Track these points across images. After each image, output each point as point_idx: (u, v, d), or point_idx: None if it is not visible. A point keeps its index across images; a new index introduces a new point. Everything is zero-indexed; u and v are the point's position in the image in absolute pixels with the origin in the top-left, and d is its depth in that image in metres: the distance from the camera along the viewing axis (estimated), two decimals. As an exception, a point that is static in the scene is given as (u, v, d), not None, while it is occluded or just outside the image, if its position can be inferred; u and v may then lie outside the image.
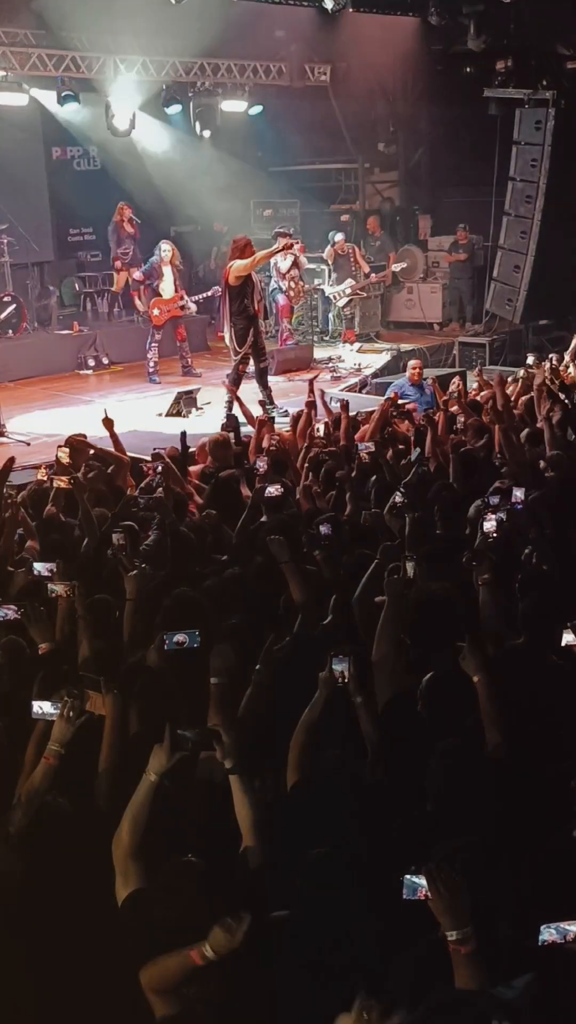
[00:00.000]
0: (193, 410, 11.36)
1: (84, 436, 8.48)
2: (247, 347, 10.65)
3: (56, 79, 12.98)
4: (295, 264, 14.19)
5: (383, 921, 2.82)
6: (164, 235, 14.18)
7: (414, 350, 14.32)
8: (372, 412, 9.30)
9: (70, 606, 4.53)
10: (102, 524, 5.96)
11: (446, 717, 3.69)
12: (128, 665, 4.26)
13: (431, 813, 3.30)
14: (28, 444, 10.18)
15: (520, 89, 14.88)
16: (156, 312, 12.97)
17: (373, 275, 15.18)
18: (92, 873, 3.03)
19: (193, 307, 13.19)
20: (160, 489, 6.88)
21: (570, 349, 12.02)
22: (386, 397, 10.32)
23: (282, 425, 9.66)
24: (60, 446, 7.77)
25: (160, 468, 7.30)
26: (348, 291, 15.01)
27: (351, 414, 8.74)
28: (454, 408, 9.09)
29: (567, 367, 11.16)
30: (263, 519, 5.97)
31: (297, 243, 13.64)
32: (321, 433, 8.50)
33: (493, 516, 5.21)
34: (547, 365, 10.95)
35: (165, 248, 13.12)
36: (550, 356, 11.55)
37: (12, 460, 7.08)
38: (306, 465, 7.31)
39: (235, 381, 10.68)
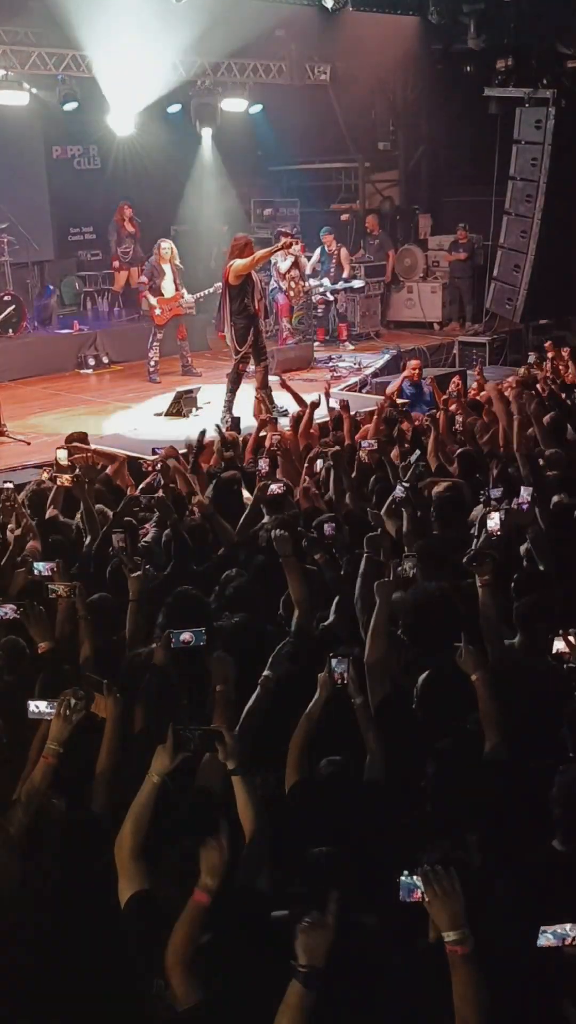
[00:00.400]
0: (193, 409, 11.36)
1: (84, 434, 8.52)
2: (247, 346, 10.65)
3: (57, 78, 13.00)
4: (296, 265, 14.18)
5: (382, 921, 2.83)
6: (164, 234, 14.16)
7: (413, 349, 14.32)
8: (371, 411, 9.32)
9: (70, 606, 4.54)
10: (103, 523, 5.98)
11: (442, 717, 3.68)
12: (131, 663, 4.26)
13: (429, 813, 3.31)
14: (28, 444, 10.18)
15: (520, 88, 14.86)
16: (158, 312, 12.97)
17: (356, 282, 15.05)
18: (92, 874, 3.03)
19: (191, 300, 13.15)
20: (161, 489, 6.90)
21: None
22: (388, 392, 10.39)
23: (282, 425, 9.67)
24: (59, 447, 7.79)
25: (159, 467, 7.33)
26: (322, 289, 14.90)
27: (351, 413, 8.76)
28: (454, 407, 9.09)
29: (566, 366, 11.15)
30: (264, 519, 5.98)
31: (298, 243, 13.63)
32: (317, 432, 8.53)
33: (496, 513, 5.18)
34: (547, 365, 10.96)
35: (165, 246, 13.11)
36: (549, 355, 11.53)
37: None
38: (306, 465, 7.32)
39: (235, 380, 10.69)
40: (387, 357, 14.03)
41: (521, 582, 4.62)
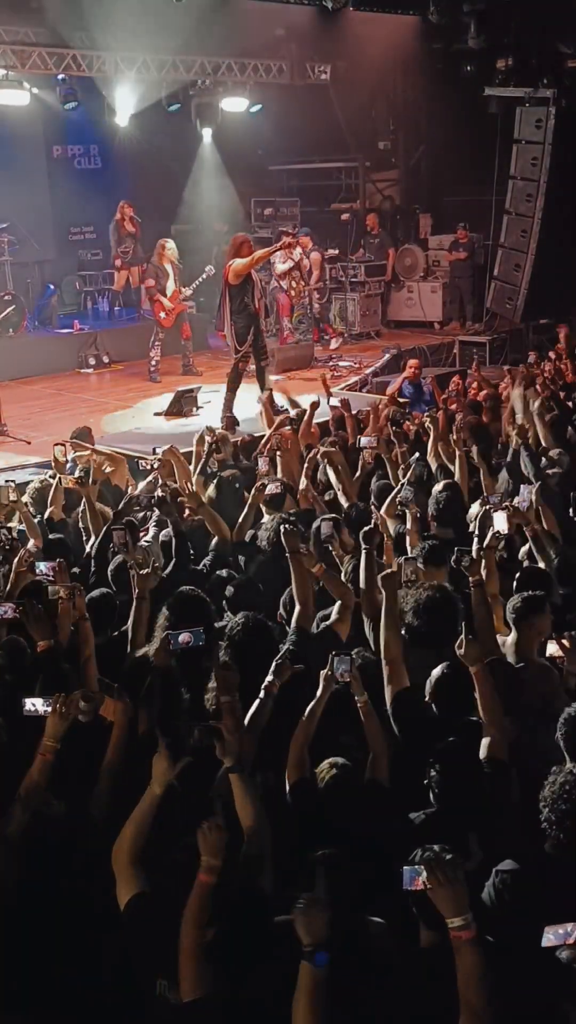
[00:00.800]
0: (193, 409, 11.35)
1: (89, 429, 8.55)
2: (247, 346, 10.65)
3: (57, 77, 13.00)
4: (297, 266, 14.16)
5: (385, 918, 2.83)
6: (164, 234, 14.15)
7: (414, 348, 14.31)
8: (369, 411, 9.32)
9: (71, 606, 4.54)
10: (105, 522, 5.98)
11: (454, 714, 3.69)
12: (133, 663, 4.26)
13: (432, 812, 3.31)
14: (28, 443, 10.18)
15: (520, 87, 14.85)
16: (163, 315, 12.96)
17: (315, 286, 14.88)
18: (91, 875, 3.04)
19: (189, 291, 13.10)
20: (160, 489, 6.89)
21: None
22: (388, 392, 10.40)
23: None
24: (56, 444, 7.79)
25: (157, 465, 7.33)
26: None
27: (352, 413, 8.77)
28: (454, 407, 9.09)
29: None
30: (264, 520, 5.99)
31: (298, 244, 13.61)
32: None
33: (501, 512, 5.17)
34: (547, 365, 10.95)
35: (170, 247, 13.09)
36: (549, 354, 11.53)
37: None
38: (306, 465, 7.31)
39: (235, 380, 10.68)
40: (387, 357, 14.03)
41: (521, 581, 4.63)
